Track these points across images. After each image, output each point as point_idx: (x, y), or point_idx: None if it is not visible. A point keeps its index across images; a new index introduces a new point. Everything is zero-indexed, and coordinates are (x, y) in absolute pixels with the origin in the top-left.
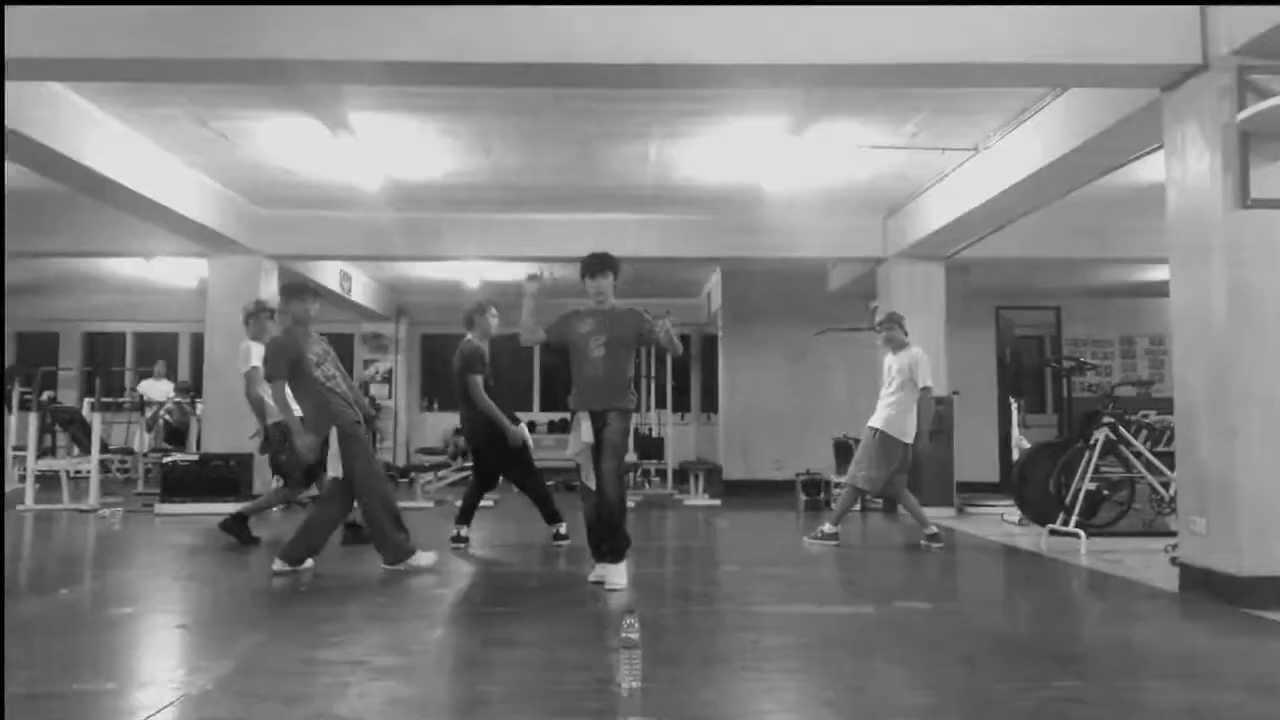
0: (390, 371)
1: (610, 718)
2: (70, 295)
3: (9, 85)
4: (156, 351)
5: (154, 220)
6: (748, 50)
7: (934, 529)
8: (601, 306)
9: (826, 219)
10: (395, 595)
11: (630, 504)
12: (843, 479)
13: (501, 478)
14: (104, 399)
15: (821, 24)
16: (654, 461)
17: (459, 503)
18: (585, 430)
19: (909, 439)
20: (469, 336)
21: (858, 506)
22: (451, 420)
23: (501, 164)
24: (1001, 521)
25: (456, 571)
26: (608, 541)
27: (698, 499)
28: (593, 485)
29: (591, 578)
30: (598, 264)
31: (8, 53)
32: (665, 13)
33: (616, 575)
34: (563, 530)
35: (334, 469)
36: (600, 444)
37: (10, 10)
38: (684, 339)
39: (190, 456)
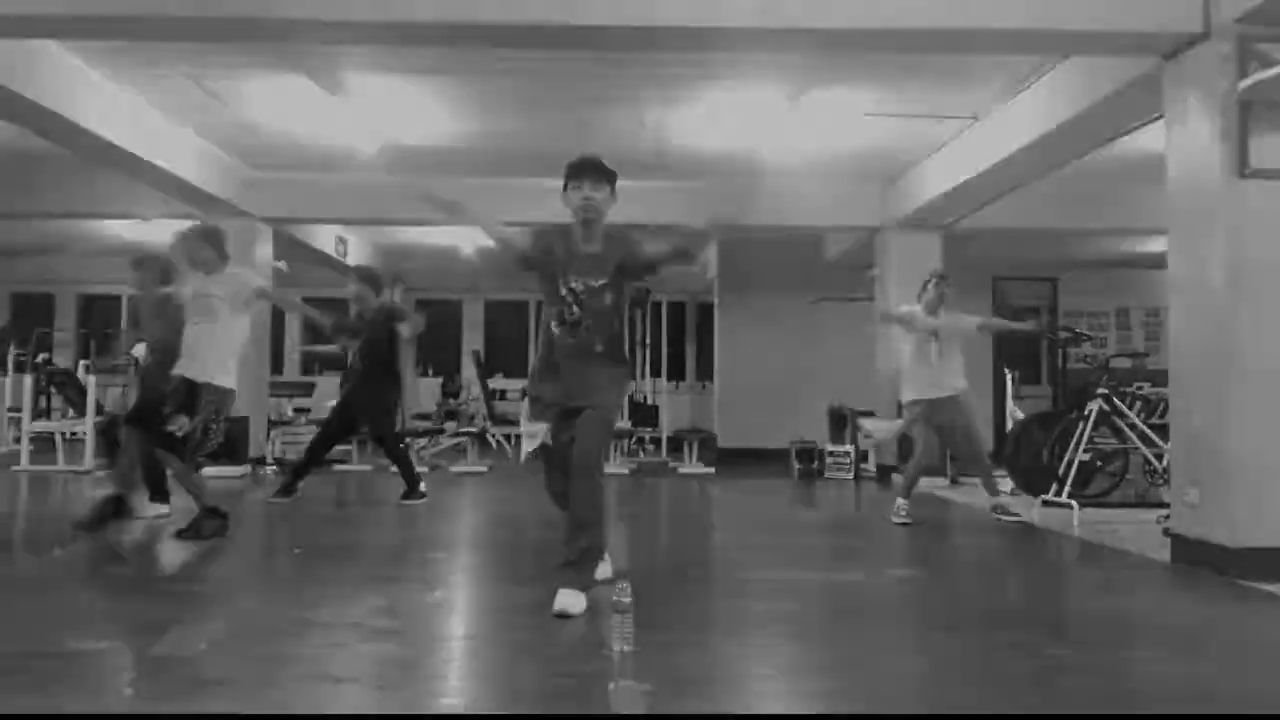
0: None
1: (602, 681)
2: (66, 257)
3: (3, 43)
4: None
5: (149, 182)
6: (747, 13)
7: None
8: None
9: (824, 187)
10: (391, 559)
11: (625, 471)
12: (838, 447)
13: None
14: (99, 361)
15: None
16: (648, 429)
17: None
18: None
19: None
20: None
21: (850, 475)
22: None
23: (498, 128)
24: None
25: (450, 536)
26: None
27: (692, 467)
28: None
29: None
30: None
31: (2, 9)
32: None
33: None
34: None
35: None
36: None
37: None
38: (679, 305)
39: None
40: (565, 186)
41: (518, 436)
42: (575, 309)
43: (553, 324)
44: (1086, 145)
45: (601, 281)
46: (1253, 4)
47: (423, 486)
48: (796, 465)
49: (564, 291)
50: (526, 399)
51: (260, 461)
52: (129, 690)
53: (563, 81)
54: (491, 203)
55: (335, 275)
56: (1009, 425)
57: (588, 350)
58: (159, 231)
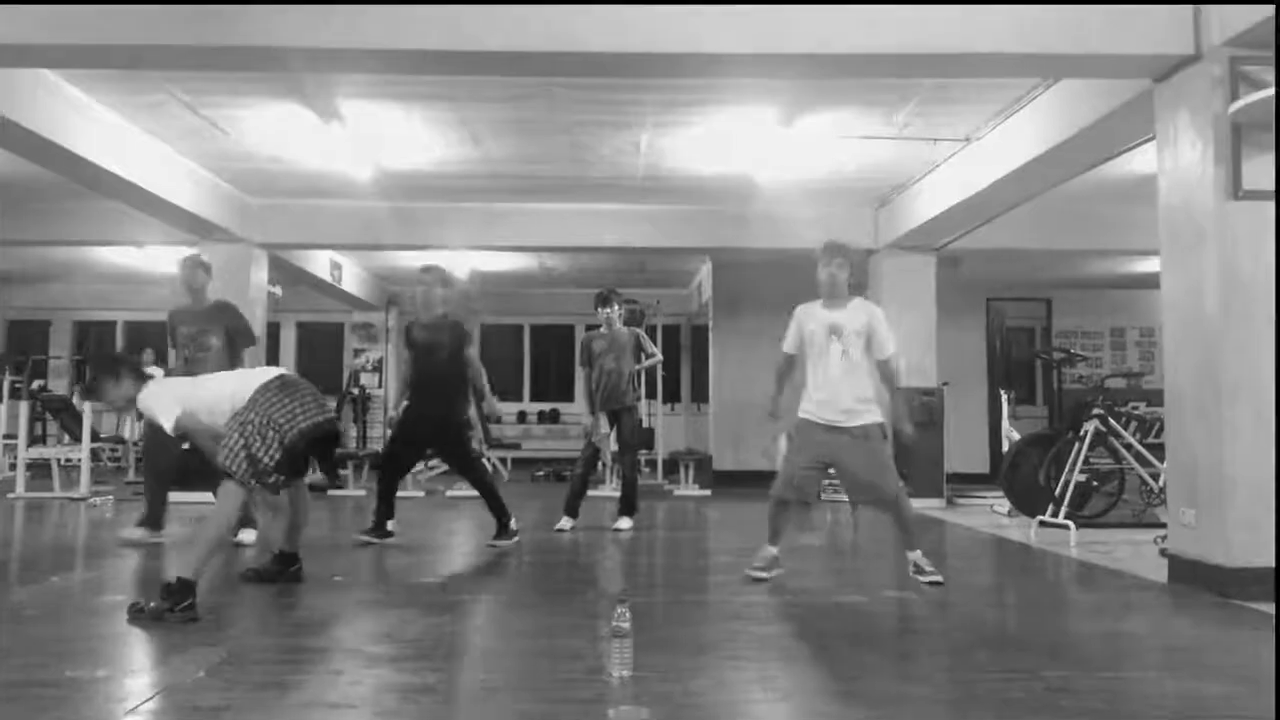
0: (380, 361)
1: (601, 706)
2: (61, 283)
3: (1, 72)
4: (147, 340)
5: (145, 209)
6: (741, 40)
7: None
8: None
9: (817, 210)
10: (387, 584)
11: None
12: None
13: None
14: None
15: (815, 13)
16: (644, 452)
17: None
18: (603, 422)
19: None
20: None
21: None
22: None
23: (492, 154)
24: (991, 513)
25: (448, 560)
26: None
27: (688, 489)
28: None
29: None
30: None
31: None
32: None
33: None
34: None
35: None
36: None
37: None
38: (674, 328)
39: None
40: (596, 310)
41: (514, 460)
42: (607, 376)
43: (600, 377)
44: (1079, 167)
45: (621, 363)
46: (1243, 27)
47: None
48: None
49: (603, 370)
50: (598, 412)
51: None
52: (127, 719)
53: (556, 107)
54: (485, 228)
55: (327, 299)
56: (1005, 446)
57: (618, 390)
58: (154, 259)
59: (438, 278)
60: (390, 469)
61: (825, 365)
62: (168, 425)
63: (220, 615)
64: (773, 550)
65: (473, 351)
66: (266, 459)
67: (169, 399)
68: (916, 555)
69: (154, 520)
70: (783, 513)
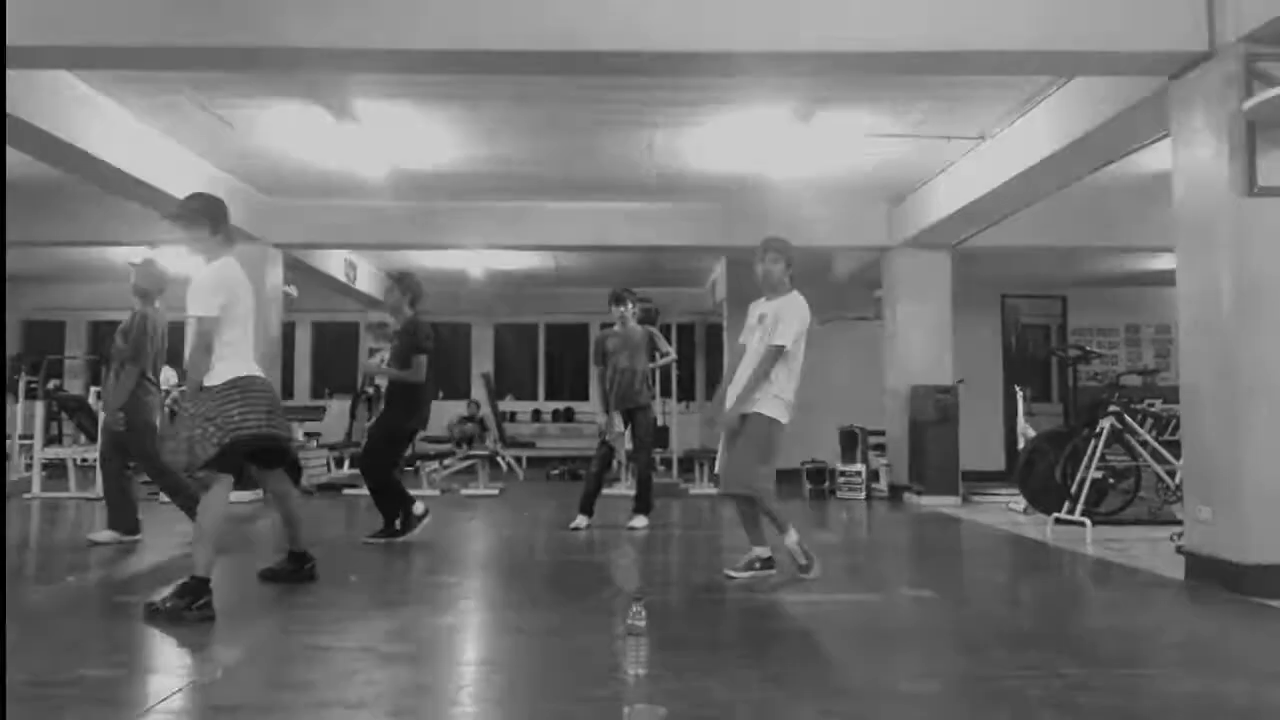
0: None
1: (617, 704)
2: (76, 284)
3: (15, 73)
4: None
5: (159, 208)
6: (756, 38)
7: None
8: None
9: (831, 208)
10: (401, 584)
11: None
12: (849, 467)
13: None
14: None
15: (830, 11)
16: (659, 450)
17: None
18: (618, 421)
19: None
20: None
21: (861, 495)
22: (455, 409)
23: (506, 152)
24: (1007, 510)
25: (463, 560)
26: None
27: (703, 487)
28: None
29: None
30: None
31: (15, 40)
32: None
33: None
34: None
35: None
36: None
37: None
38: (688, 326)
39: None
40: (609, 308)
41: (529, 458)
42: (620, 375)
43: (614, 376)
44: (1093, 164)
45: (635, 362)
46: (1258, 23)
47: (419, 510)
48: (808, 485)
49: (616, 369)
50: (612, 410)
51: None
52: (144, 718)
53: (570, 105)
54: (499, 227)
55: (342, 298)
56: (1020, 443)
57: (631, 389)
58: (168, 258)
59: (399, 284)
60: (365, 469)
61: (743, 353)
62: (198, 308)
63: (236, 614)
64: (759, 551)
65: (420, 359)
66: (201, 453)
67: (226, 293)
68: (791, 543)
69: (121, 522)
70: (744, 510)
